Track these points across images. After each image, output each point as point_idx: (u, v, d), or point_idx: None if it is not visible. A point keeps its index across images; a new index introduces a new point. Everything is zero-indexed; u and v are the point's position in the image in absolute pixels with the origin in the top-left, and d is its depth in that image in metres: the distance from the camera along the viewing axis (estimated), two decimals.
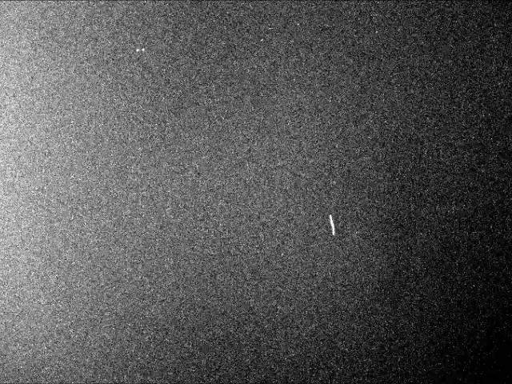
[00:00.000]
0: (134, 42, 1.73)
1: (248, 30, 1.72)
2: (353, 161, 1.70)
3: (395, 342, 1.68)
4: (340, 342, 1.68)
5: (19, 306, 1.71)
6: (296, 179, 1.70)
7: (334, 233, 1.52)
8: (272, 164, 1.70)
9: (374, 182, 1.69)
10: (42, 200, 1.71)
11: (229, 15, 1.73)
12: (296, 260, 1.69)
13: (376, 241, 1.68)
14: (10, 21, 1.74)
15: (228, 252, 1.69)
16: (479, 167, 1.70)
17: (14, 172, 1.72)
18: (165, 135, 1.71)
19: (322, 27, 1.72)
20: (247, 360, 1.69)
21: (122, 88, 1.72)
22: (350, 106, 1.71)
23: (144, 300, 1.70)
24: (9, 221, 1.71)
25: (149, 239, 1.70)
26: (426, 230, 1.69)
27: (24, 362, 1.70)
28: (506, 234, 1.68)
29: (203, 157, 1.71)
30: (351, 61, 1.71)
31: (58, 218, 1.71)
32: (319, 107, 1.71)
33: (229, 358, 1.69)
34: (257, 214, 1.70)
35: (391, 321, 1.68)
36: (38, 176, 1.72)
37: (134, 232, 1.70)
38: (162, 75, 1.72)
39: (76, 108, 1.72)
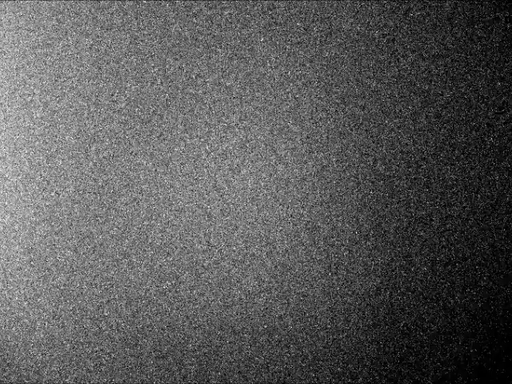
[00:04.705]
0: (132, 41, 1.73)
1: (247, 30, 1.72)
2: (352, 161, 1.70)
3: (394, 344, 1.68)
4: (339, 343, 1.68)
5: (19, 306, 1.71)
6: (294, 179, 1.70)
7: None
8: (270, 163, 1.71)
9: (374, 183, 1.70)
10: (42, 200, 1.72)
11: (227, 14, 1.73)
12: (295, 259, 1.69)
13: (376, 242, 1.69)
14: (8, 20, 1.75)
15: (227, 251, 1.70)
16: (480, 168, 1.70)
17: (14, 173, 1.73)
18: (165, 136, 1.72)
19: (323, 27, 1.72)
20: (245, 360, 1.69)
21: (123, 86, 1.73)
22: (349, 107, 1.71)
23: (144, 301, 1.70)
24: (8, 221, 1.72)
25: (148, 239, 1.71)
26: (426, 231, 1.69)
27: (24, 362, 1.71)
28: (507, 234, 1.68)
29: (203, 157, 1.71)
30: (351, 60, 1.71)
31: (57, 218, 1.72)
32: (318, 108, 1.71)
33: (227, 358, 1.70)
34: (253, 216, 1.70)
35: (391, 321, 1.68)
36: (37, 176, 1.72)
37: (135, 231, 1.71)
38: (161, 75, 1.73)
39: (75, 107, 1.73)
